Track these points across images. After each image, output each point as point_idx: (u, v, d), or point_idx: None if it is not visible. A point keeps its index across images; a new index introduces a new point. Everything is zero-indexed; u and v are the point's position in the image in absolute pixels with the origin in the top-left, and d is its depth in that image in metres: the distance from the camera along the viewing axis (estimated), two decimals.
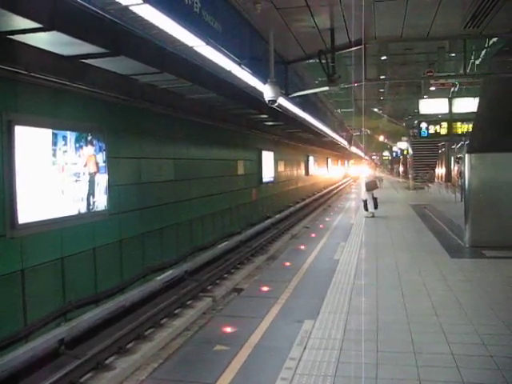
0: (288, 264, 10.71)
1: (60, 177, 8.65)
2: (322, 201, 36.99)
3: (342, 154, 63.00)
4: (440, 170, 21.43)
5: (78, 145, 9.17)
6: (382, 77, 20.58)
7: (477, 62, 19.48)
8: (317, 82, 20.73)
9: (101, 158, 9.91)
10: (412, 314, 6.96)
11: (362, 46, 13.12)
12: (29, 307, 8.07)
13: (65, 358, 8.00)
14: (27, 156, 7.88)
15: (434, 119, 23.36)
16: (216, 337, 6.38)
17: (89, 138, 9.52)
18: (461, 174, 13.24)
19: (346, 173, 75.18)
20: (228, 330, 6.58)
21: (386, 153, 69.32)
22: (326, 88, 13.25)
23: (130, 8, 5.53)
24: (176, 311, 10.61)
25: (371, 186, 18.97)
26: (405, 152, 43.97)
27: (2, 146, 7.56)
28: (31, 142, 7.98)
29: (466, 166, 12.15)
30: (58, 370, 7.40)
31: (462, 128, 21.86)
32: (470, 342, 5.93)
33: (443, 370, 5.13)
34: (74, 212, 9.12)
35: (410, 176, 37.65)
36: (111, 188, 10.23)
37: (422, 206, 22.38)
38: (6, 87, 7.73)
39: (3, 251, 7.61)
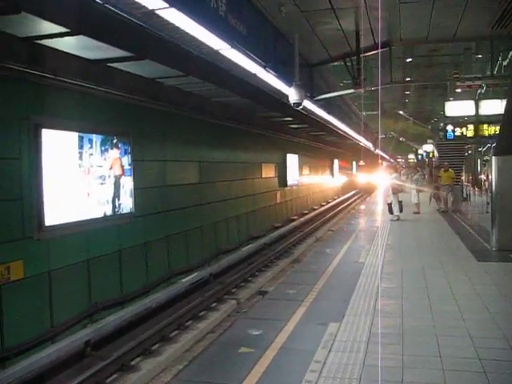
0: (313, 267, 10.66)
1: (86, 179, 8.74)
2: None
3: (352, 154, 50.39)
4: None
5: (103, 148, 9.26)
6: (407, 79, 20.43)
7: (504, 63, 19.23)
8: (342, 84, 20.65)
9: (126, 160, 9.99)
10: (438, 318, 6.88)
11: (388, 48, 13.06)
12: (55, 308, 8.16)
13: (91, 359, 8.08)
14: (54, 159, 7.98)
15: (460, 121, 23.12)
16: (241, 339, 6.37)
17: (114, 140, 9.60)
18: (488, 176, 13.07)
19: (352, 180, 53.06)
20: (253, 332, 6.57)
21: (411, 155, 68.66)
22: (351, 90, 13.20)
23: (156, 12, 5.58)
24: (201, 313, 10.64)
25: (397, 189, 18.82)
26: (430, 155, 43.47)
27: (30, 149, 7.66)
28: (58, 145, 8.08)
29: (492, 169, 12.00)
30: (84, 370, 7.47)
31: (489, 130, 21.62)
32: (497, 346, 5.84)
33: (470, 375, 5.06)
34: (100, 214, 9.20)
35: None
36: (136, 190, 10.30)
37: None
38: (34, 91, 7.83)
39: (30, 253, 7.70)
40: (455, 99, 23.47)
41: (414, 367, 5.24)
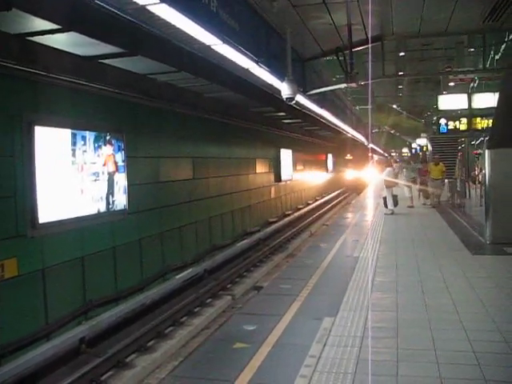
0: (307, 261, 10.68)
1: (79, 176, 8.72)
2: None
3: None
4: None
5: (96, 144, 9.23)
6: (400, 73, 20.43)
7: (496, 57, 19.26)
8: (334, 79, 20.63)
9: (119, 157, 9.96)
10: (432, 311, 6.90)
11: (380, 42, 13.05)
12: (50, 306, 8.14)
13: (86, 357, 8.06)
14: (47, 156, 7.95)
15: (453, 115, 23.13)
16: (236, 335, 6.39)
17: (107, 137, 9.57)
18: (481, 170, 13.08)
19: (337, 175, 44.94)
20: (248, 327, 6.58)
21: (405, 149, 68.76)
22: (344, 85, 13.18)
23: (148, 8, 5.55)
24: (196, 309, 10.65)
25: (391, 184, 18.84)
26: (424, 149, 43.45)
27: (23, 146, 7.63)
28: (51, 142, 8.05)
29: (486, 162, 12.02)
30: (79, 368, 7.46)
31: (482, 123, 21.63)
32: (491, 339, 5.86)
33: (465, 368, 5.08)
34: (94, 211, 9.18)
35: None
36: (130, 187, 10.28)
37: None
38: (26, 88, 7.80)
39: (24, 250, 7.68)
40: (448, 93, 23.50)
41: (409, 361, 5.26)
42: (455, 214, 18.01)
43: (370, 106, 31.77)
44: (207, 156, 14.88)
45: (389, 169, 19.86)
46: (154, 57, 8.79)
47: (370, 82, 13.82)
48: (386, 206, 18.79)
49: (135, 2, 5.33)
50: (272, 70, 10.26)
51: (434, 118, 26.66)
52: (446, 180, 21.18)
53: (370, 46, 12.55)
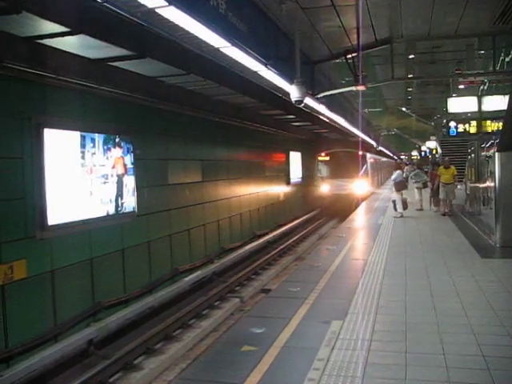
0: (316, 264, 10.64)
1: (88, 178, 8.74)
2: None
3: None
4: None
5: (106, 147, 9.26)
6: (409, 75, 20.34)
7: (507, 59, 19.16)
8: (343, 81, 20.59)
9: (129, 159, 9.98)
10: (441, 315, 6.86)
11: (389, 44, 13.02)
12: (58, 307, 8.16)
13: (94, 358, 8.08)
14: (56, 158, 7.98)
15: (463, 118, 23.05)
16: (244, 337, 6.36)
17: (117, 139, 9.60)
18: (491, 173, 12.97)
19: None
20: (256, 330, 6.56)
21: (414, 152, 68.50)
22: (353, 88, 13.16)
23: (156, 10, 5.56)
24: (204, 312, 10.64)
25: (400, 187, 18.76)
26: (434, 151, 43.22)
27: (32, 148, 7.66)
28: (60, 145, 8.08)
29: (495, 165, 11.95)
30: (87, 369, 7.47)
31: (492, 126, 21.57)
32: (501, 343, 5.81)
33: (474, 372, 5.04)
34: (103, 213, 9.20)
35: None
36: (139, 189, 10.29)
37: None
38: (36, 90, 7.84)
39: (33, 252, 7.70)
40: (458, 95, 23.41)
41: (418, 365, 5.22)
42: (464, 217, 17.91)
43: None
44: (216, 159, 14.88)
45: (398, 171, 19.76)
46: (163, 59, 8.82)
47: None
48: (395, 209, 18.71)
49: (144, 5, 5.35)
50: (281, 72, 10.24)
51: (444, 121, 26.53)
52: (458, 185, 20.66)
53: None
